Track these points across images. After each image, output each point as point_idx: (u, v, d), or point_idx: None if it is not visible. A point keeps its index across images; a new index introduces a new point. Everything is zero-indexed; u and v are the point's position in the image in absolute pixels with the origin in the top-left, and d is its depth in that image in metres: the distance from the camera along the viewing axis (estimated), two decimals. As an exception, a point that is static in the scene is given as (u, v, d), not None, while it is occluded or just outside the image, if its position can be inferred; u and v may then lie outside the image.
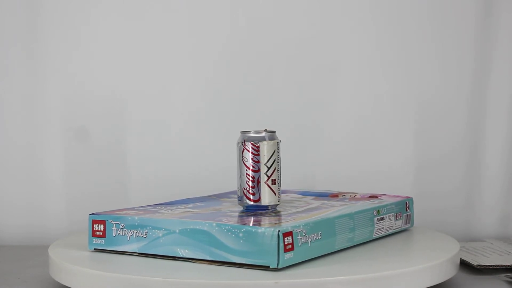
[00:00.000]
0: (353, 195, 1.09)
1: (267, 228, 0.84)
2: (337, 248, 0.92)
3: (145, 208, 1.00)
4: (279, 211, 0.97)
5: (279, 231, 0.83)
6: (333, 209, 0.97)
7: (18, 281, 1.00)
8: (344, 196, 1.09)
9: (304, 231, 0.87)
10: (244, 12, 1.29)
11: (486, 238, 1.26)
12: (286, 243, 0.84)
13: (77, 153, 1.28)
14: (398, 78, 1.30)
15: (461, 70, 1.29)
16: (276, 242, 0.83)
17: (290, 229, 0.85)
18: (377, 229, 0.99)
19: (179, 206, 1.01)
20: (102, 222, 0.93)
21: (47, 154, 1.28)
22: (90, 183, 1.28)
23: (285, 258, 0.84)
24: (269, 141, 0.97)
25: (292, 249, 0.85)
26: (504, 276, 1.01)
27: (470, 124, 1.30)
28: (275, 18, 1.29)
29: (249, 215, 0.95)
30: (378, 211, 1.00)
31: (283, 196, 1.10)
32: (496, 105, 1.29)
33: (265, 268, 0.84)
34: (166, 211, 0.97)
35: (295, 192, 1.14)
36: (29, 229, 1.27)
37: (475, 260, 1.06)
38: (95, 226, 0.94)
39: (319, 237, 0.89)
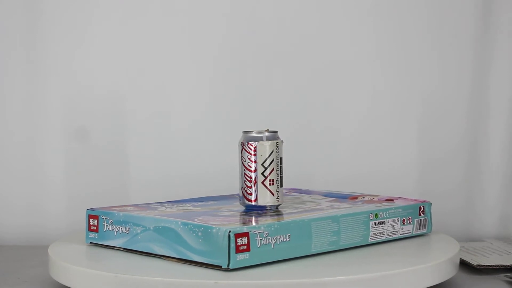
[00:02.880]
0: (372, 198, 1.07)
1: (220, 228, 0.84)
2: (314, 251, 0.90)
3: (148, 205, 1.02)
4: (279, 212, 0.97)
5: (230, 231, 0.83)
6: (328, 211, 0.96)
7: (18, 281, 1.00)
8: (363, 199, 1.07)
9: (266, 232, 0.86)
10: (245, 12, 1.29)
11: (486, 238, 1.26)
12: (239, 244, 0.83)
13: (78, 153, 1.28)
14: (398, 78, 1.30)
15: (461, 71, 1.29)
16: (227, 242, 0.83)
17: (245, 230, 0.84)
18: (374, 234, 0.97)
19: (186, 204, 1.03)
20: (96, 217, 0.97)
21: (47, 154, 1.28)
22: (90, 183, 1.28)
23: (238, 259, 0.83)
24: (267, 141, 0.97)
25: (247, 250, 0.84)
26: (504, 276, 1.01)
27: (469, 124, 1.30)
28: (275, 17, 1.29)
29: (241, 215, 0.95)
30: (376, 214, 0.97)
31: (305, 196, 1.10)
32: (496, 106, 1.29)
33: (219, 268, 0.84)
34: (163, 208, 0.99)
35: (319, 193, 1.13)
36: (29, 229, 1.27)
37: (475, 260, 1.06)
38: (91, 221, 0.97)
39: (287, 239, 0.88)
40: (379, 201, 1.05)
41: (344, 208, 0.99)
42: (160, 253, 0.89)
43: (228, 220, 0.90)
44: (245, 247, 0.84)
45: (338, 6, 1.29)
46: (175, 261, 0.88)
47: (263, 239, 0.86)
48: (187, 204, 1.03)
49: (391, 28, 1.29)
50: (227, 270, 0.83)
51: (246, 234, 0.84)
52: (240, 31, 1.29)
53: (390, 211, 0.99)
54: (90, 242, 0.98)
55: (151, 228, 0.90)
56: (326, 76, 1.30)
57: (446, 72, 1.30)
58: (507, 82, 1.29)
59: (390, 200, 1.05)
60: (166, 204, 1.03)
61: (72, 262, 0.90)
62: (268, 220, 0.91)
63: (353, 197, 1.08)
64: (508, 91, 1.29)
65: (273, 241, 0.87)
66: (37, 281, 0.99)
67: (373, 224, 0.97)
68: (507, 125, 1.29)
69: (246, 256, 0.84)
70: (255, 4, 1.29)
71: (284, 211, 0.98)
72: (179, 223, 0.88)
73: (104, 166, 1.28)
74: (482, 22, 1.28)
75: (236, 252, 0.83)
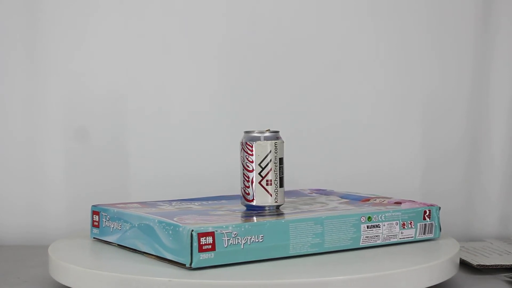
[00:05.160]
0: (382, 200, 1.05)
1: (185, 227, 0.84)
2: (293, 253, 0.89)
3: (155, 202, 1.04)
4: (278, 212, 0.97)
5: (192, 230, 0.83)
6: (316, 213, 0.95)
7: (18, 281, 1.00)
8: (374, 201, 1.05)
9: (235, 232, 0.86)
10: (245, 12, 1.29)
11: (486, 238, 1.26)
12: (202, 243, 0.83)
13: (78, 153, 1.28)
14: (398, 78, 1.30)
15: (461, 71, 1.29)
16: (189, 241, 0.83)
17: (210, 230, 0.84)
18: (367, 237, 0.95)
19: (193, 203, 1.04)
20: (98, 213, 0.99)
21: (47, 154, 1.28)
22: (90, 183, 1.28)
23: (201, 258, 0.83)
24: (265, 141, 0.96)
25: (212, 249, 0.84)
26: (504, 276, 1.01)
27: (469, 124, 1.30)
28: (275, 17, 1.29)
29: (235, 215, 0.95)
30: (369, 217, 0.95)
31: (322, 197, 1.10)
32: (496, 106, 1.29)
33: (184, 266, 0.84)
34: (165, 206, 1.00)
35: (338, 195, 1.12)
36: (29, 229, 1.27)
37: (475, 260, 1.06)
38: (94, 216, 1.00)
39: (260, 240, 0.87)
40: (387, 203, 1.03)
41: (343, 210, 0.98)
42: (143, 250, 0.91)
43: (210, 219, 0.90)
44: (210, 246, 0.84)
45: (338, 7, 1.29)
46: (154, 258, 0.89)
47: (231, 239, 0.85)
48: (195, 203, 1.04)
49: (391, 28, 1.29)
50: (191, 268, 0.83)
51: (211, 234, 0.84)
52: (240, 31, 1.29)
53: (386, 214, 0.97)
54: (94, 238, 1.01)
55: (136, 225, 0.92)
56: (326, 76, 1.29)
57: (446, 72, 1.30)
58: (507, 82, 1.29)
59: (397, 203, 1.03)
60: (174, 203, 1.04)
61: (72, 262, 0.90)
62: (240, 220, 0.91)
63: (365, 199, 1.07)
64: (508, 91, 1.29)
65: (243, 242, 0.86)
66: (37, 281, 0.99)
67: (365, 227, 0.95)
68: (507, 125, 1.29)
69: (211, 255, 0.84)
70: (255, 4, 1.29)
71: (284, 211, 0.97)
72: (156, 221, 0.89)
73: (104, 166, 1.28)
74: (482, 22, 1.28)
75: (199, 251, 0.83)
